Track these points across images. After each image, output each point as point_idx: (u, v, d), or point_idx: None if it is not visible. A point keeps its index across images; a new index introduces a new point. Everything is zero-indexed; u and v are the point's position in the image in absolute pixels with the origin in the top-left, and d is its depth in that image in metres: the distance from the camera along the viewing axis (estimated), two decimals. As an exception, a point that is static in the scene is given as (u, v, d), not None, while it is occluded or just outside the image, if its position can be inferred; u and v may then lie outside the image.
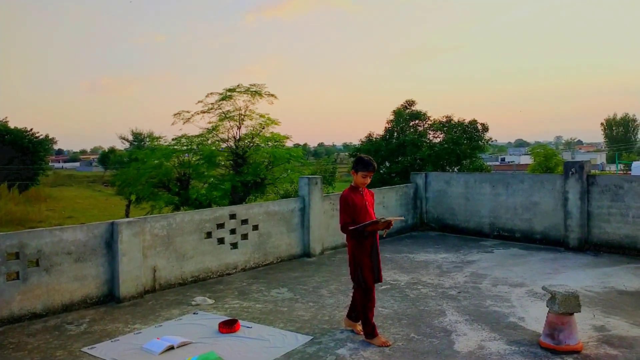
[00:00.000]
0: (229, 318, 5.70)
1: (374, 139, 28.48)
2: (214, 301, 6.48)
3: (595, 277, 7.26)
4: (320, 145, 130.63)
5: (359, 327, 5.22)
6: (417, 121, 28.08)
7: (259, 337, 5.24)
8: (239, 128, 20.08)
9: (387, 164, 27.81)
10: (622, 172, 50.33)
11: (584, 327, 5.29)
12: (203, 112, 19.83)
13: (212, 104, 19.91)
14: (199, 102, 19.98)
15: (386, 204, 10.70)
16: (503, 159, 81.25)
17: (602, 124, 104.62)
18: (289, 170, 20.18)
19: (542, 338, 4.86)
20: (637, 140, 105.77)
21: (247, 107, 20.06)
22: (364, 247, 5.04)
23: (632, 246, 8.51)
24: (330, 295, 6.65)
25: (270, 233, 8.34)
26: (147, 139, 55.91)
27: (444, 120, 27.42)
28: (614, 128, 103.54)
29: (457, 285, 7.03)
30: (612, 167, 61.49)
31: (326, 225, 9.24)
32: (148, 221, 6.90)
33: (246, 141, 20.07)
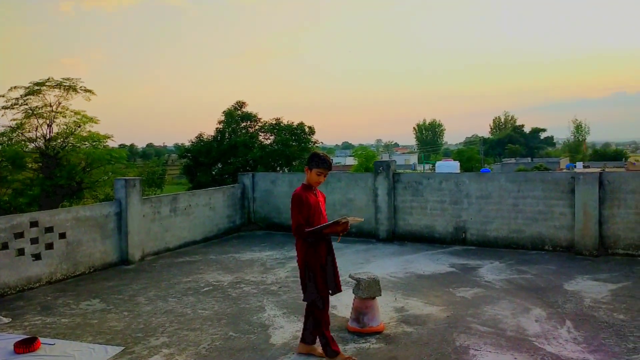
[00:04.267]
0: (28, 336, 5.11)
1: (205, 140, 28.04)
2: (10, 320, 5.75)
3: (399, 264, 8.08)
4: (149, 145, 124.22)
5: (319, 349, 4.56)
6: (248, 122, 28.35)
7: (62, 354, 4.79)
8: (50, 126, 18.16)
9: (220, 165, 27.55)
10: (429, 171, 56.97)
11: (386, 310, 5.85)
12: (5, 108, 17.54)
13: (16, 99, 17.72)
14: (-1, 96, 17.62)
15: (213, 205, 10.59)
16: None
17: (414, 128, 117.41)
18: (111, 173, 18.86)
19: (350, 322, 5.26)
20: (443, 143, 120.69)
21: (59, 103, 18.28)
22: (318, 253, 4.43)
23: (430, 235, 9.66)
24: (147, 302, 6.35)
25: (81, 241, 7.67)
26: None
27: (274, 122, 28.16)
28: (423, 132, 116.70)
29: (279, 280, 7.25)
30: (424, 167, 69.30)
31: (147, 230, 8.81)
32: None
33: (59, 141, 18.24)
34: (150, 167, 43.64)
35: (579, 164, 58.27)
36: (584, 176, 8.41)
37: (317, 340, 4.58)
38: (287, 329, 5.35)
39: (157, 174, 41.66)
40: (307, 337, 4.61)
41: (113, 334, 5.27)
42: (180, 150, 30.70)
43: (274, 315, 5.76)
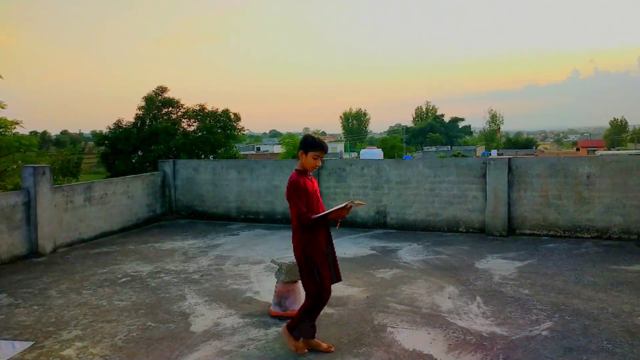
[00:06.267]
0: None
1: (124, 126, 26.88)
2: None
3: (323, 249, 8.19)
4: (64, 133, 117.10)
5: (324, 344, 4.40)
6: (170, 108, 27.46)
7: (-38, 354, 4.46)
8: (-52, 111, 16.65)
9: (140, 153, 26.53)
10: (354, 158, 58.07)
11: (309, 293, 5.92)
12: None
13: None
14: None
15: (131, 194, 10.19)
16: (258, 148, 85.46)
17: (340, 117, 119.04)
18: (20, 162, 17.65)
19: (272, 307, 5.29)
20: (368, 132, 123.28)
21: (-42, 86, 16.77)
22: (319, 241, 4.21)
23: (353, 220, 9.86)
24: (59, 295, 6.03)
25: (-16, 232, 7.15)
26: None
27: (198, 108, 27.43)
28: (350, 121, 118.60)
29: (201, 269, 7.14)
30: (349, 155, 70.48)
31: (59, 220, 8.34)
32: None
33: (-41, 127, 16.79)
34: (65, 155, 41.27)
35: (494, 152, 61.77)
36: (495, 162, 8.93)
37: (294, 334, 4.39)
38: (208, 316, 5.29)
39: (73, 162, 39.44)
40: (307, 332, 4.35)
41: (21, 329, 4.97)
42: (98, 137, 29.19)
43: (195, 304, 5.67)
